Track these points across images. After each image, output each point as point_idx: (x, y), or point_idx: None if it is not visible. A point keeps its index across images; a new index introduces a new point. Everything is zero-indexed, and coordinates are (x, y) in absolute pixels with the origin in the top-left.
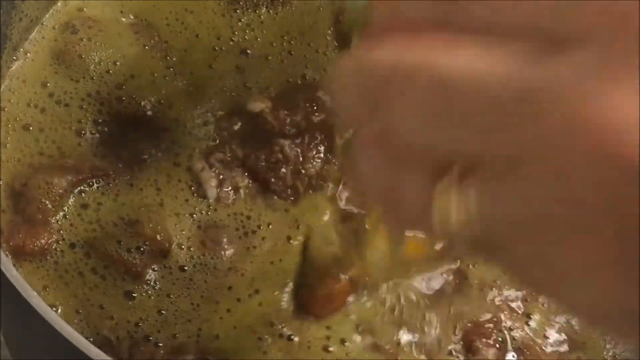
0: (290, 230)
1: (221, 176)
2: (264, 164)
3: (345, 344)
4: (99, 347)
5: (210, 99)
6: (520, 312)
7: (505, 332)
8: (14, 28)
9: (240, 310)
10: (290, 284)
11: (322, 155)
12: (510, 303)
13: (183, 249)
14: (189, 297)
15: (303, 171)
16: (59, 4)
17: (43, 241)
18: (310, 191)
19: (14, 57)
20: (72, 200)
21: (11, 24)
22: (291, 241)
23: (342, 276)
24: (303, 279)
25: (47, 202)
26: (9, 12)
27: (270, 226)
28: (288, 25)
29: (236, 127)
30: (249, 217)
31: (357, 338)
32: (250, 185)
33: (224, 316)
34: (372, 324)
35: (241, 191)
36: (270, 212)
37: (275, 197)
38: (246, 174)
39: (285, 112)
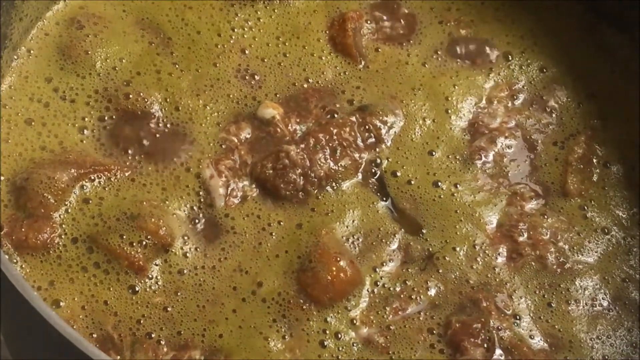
0: (302, 219)
1: (230, 185)
2: (271, 171)
3: (341, 338)
4: (102, 344)
5: (217, 100)
6: (507, 312)
7: (493, 332)
8: (14, 28)
9: (246, 310)
10: (295, 269)
11: (328, 156)
12: (498, 303)
13: (187, 254)
14: (195, 299)
15: (312, 174)
16: (60, 3)
17: (45, 236)
18: (322, 191)
19: (15, 56)
20: (74, 194)
21: (11, 23)
22: (302, 228)
23: (347, 267)
24: (308, 263)
25: (49, 196)
26: (9, 12)
27: (281, 223)
28: (283, 24)
29: (245, 133)
30: (259, 217)
31: (352, 333)
32: (258, 193)
33: (230, 317)
34: (368, 317)
35: (249, 198)
36: (281, 211)
37: (286, 201)
38: (254, 184)
39: (297, 119)
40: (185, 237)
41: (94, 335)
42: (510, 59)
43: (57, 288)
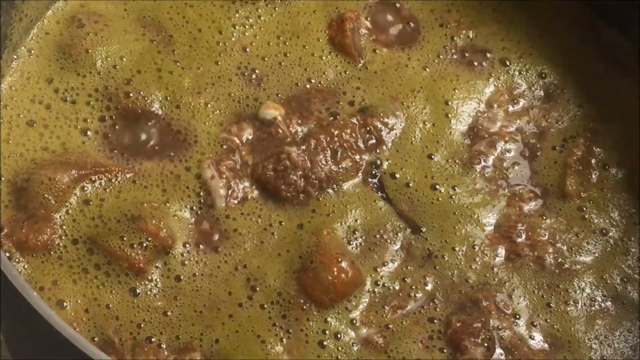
0: (302, 219)
1: (231, 186)
2: (272, 173)
3: (340, 339)
4: (102, 348)
5: (219, 98)
6: (507, 312)
7: (493, 331)
8: (14, 28)
9: (243, 315)
10: (295, 269)
11: (328, 157)
12: (497, 303)
13: (187, 256)
14: (193, 304)
15: (312, 175)
16: (60, 2)
17: (46, 237)
18: (322, 192)
19: (15, 56)
20: (74, 196)
21: (11, 23)
22: (303, 228)
23: (348, 268)
24: (309, 263)
25: (49, 197)
26: (9, 12)
27: (282, 224)
28: (284, 23)
29: (246, 134)
30: (259, 217)
31: (352, 333)
32: (259, 194)
33: (226, 322)
34: (368, 317)
35: (250, 199)
36: (282, 212)
37: (287, 203)
38: (255, 185)
39: (298, 120)
40: (186, 239)
41: (96, 339)
42: (508, 64)
43: (61, 288)
